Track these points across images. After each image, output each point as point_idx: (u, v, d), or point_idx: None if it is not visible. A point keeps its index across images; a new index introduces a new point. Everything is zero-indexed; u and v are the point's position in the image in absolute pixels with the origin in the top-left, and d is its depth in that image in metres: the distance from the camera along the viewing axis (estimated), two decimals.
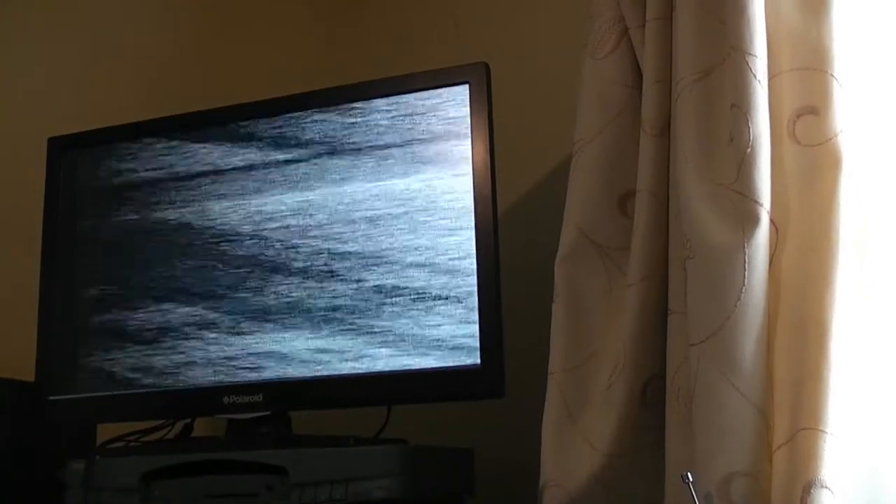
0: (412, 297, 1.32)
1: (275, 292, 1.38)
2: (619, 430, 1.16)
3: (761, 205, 1.06)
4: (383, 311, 1.33)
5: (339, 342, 1.34)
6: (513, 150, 1.44)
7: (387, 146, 1.37)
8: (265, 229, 1.41)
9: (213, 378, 1.39)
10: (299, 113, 1.42)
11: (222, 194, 1.44)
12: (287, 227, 1.39)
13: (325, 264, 1.37)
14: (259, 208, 1.41)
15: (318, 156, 1.40)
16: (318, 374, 1.34)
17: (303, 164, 1.40)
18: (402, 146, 1.36)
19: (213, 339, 1.41)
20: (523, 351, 1.37)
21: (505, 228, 1.33)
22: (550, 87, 1.62)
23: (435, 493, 1.29)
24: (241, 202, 1.43)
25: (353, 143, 1.38)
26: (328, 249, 1.37)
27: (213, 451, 1.33)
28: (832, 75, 1.09)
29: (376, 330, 1.33)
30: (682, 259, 1.12)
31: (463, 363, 1.28)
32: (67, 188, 1.53)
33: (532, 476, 1.21)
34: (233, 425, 1.39)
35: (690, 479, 0.99)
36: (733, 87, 1.09)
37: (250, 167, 1.43)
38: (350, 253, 1.36)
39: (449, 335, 1.29)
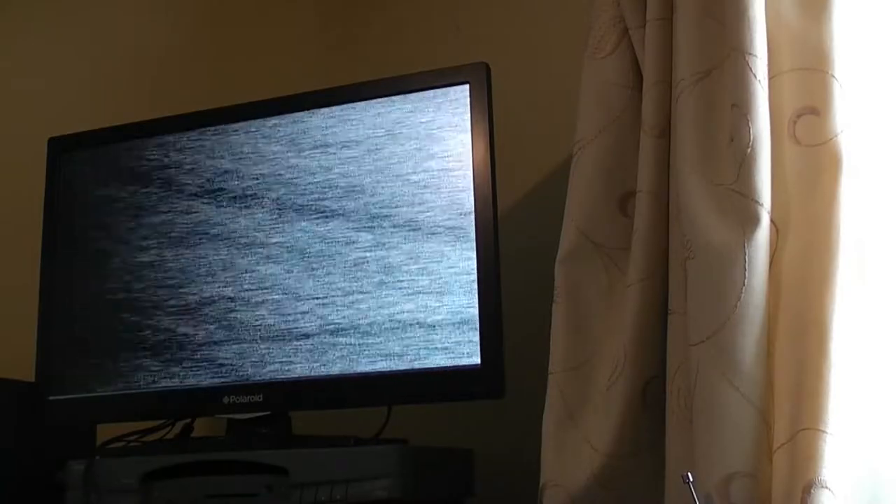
0: (413, 297, 1.32)
1: (279, 298, 1.39)
2: (619, 431, 1.16)
3: (761, 205, 1.06)
4: (383, 311, 1.33)
5: (339, 340, 1.34)
6: (513, 150, 1.44)
7: (387, 146, 1.37)
8: (267, 228, 1.41)
9: (213, 378, 1.39)
10: (299, 113, 1.42)
11: (224, 194, 1.44)
12: (287, 227, 1.40)
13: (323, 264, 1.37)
14: (262, 205, 1.42)
15: (318, 156, 1.40)
16: (318, 374, 1.34)
17: (302, 164, 1.40)
18: (401, 146, 1.36)
19: (213, 339, 1.41)
20: (523, 351, 1.37)
21: (505, 228, 1.33)
22: (550, 87, 1.62)
23: (435, 493, 1.29)
24: (243, 200, 1.43)
25: (353, 142, 1.38)
26: (326, 247, 1.37)
27: (214, 451, 1.33)
28: (832, 76, 1.09)
29: (376, 330, 1.33)
30: (683, 259, 1.12)
31: (463, 363, 1.28)
32: (67, 189, 1.53)
33: (532, 476, 1.21)
34: (233, 425, 1.39)
35: (690, 479, 0.99)
36: (734, 87, 1.09)
37: (251, 165, 1.43)
38: (348, 252, 1.36)
39: (449, 335, 1.29)
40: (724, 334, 1.04)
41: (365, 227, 1.36)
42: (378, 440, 1.33)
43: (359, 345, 1.33)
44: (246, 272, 1.41)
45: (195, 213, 1.45)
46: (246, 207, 1.42)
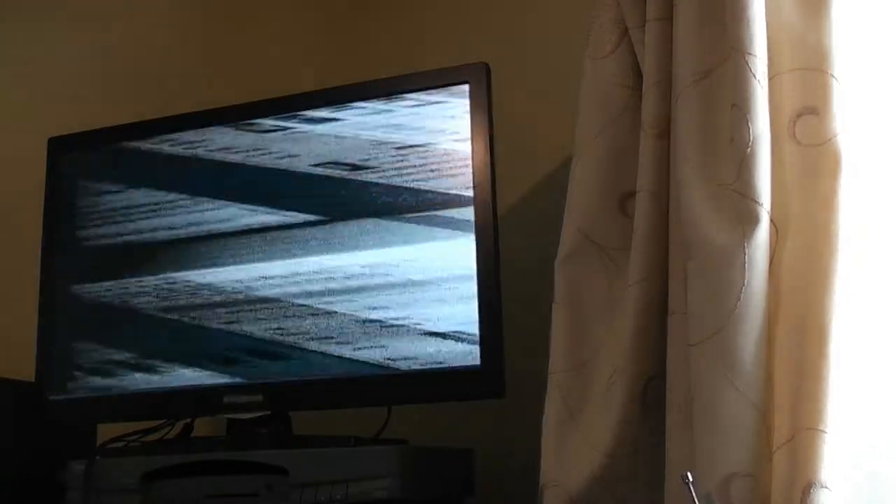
0: (412, 297, 1.32)
1: (281, 296, 1.39)
2: (619, 431, 1.16)
3: (761, 205, 1.06)
4: (383, 311, 1.33)
5: (338, 339, 1.34)
6: (513, 150, 1.44)
7: (387, 146, 1.37)
8: (265, 224, 1.41)
9: (213, 378, 1.39)
10: (299, 112, 1.42)
11: (224, 193, 1.44)
12: (285, 222, 1.40)
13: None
14: (262, 204, 1.42)
15: (317, 155, 1.40)
16: (318, 374, 1.34)
17: (302, 163, 1.40)
18: (401, 146, 1.36)
19: (214, 338, 1.41)
20: (523, 351, 1.37)
21: (505, 228, 1.33)
22: (550, 87, 1.62)
23: (435, 493, 1.29)
24: (244, 199, 1.43)
25: (353, 142, 1.38)
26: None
27: (214, 451, 1.33)
28: (832, 75, 1.08)
29: (377, 331, 1.33)
30: (683, 259, 1.12)
31: (463, 363, 1.28)
32: (67, 188, 1.53)
33: (532, 476, 1.21)
34: (233, 425, 1.39)
35: (690, 479, 0.99)
36: (733, 87, 1.09)
37: (251, 165, 1.43)
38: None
39: (449, 335, 1.29)
40: (724, 334, 1.04)
41: (365, 227, 1.36)
42: (378, 440, 1.33)
43: (359, 344, 1.33)
44: (247, 272, 1.40)
45: (196, 212, 1.45)
46: (247, 206, 1.42)
